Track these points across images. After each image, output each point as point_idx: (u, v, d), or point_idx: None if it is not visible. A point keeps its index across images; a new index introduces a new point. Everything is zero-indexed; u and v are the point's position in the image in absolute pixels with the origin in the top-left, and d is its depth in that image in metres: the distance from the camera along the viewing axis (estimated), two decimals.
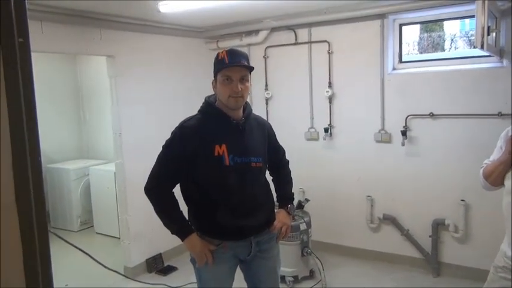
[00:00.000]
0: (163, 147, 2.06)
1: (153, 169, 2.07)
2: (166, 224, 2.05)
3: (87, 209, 5.42)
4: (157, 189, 2.05)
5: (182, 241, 2.03)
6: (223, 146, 1.97)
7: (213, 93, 2.14)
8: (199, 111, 2.11)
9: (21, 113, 0.70)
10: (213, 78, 2.05)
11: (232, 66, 1.94)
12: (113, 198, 4.81)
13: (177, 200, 2.05)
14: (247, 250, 2.10)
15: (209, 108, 2.08)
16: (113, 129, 3.99)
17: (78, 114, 6.01)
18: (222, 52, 1.97)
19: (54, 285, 0.79)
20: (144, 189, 2.06)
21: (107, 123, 4.49)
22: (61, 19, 3.38)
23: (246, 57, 2.02)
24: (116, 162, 4.04)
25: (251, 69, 2.01)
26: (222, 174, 1.99)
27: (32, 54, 0.73)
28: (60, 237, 3.25)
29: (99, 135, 5.84)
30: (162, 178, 2.04)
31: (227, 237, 2.05)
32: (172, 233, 2.05)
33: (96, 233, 5.31)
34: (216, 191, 2.02)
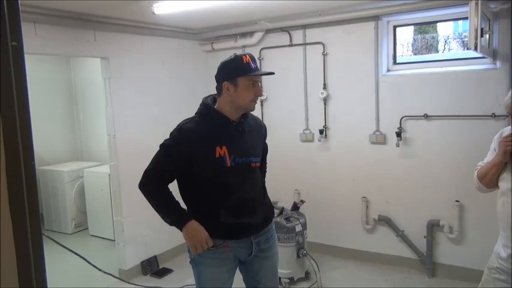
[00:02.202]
0: (160, 146, 2.07)
1: (148, 166, 2.08)
2: (163, 218, 2.08)
3: (82, 211, 5.39)
4: (150, 186, 2.08)
5: (181, 231, 2.04)
6: (224, 148, 1.99)
7: (208, 94, 2.16)
8: (197, 113, 2.11)
9: (14, 117, 0.70)
10: (227, 81, 2.00)
11: (262, 74, 2.15)
12: (108, 200, 4.80)
13: (171, 193, 2.07)
14: (247, 250, 2.12)
15: (208, 110, 2.08)
16: (107, 131, 3.97)
17: (72, 116, 5.99)
18: (246, 56, 2.00)
19: None
20: (139, 185, 2.08)
21: (101, 125, 4.47)
22: (55, 21, 3.36)
23: None
24: (110, 164, 4.02)
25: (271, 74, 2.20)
26: (224, 175, 2.01)
27: (26, 56, 0.73)
28: (54, 240, 3.23)
29: (93, 137, 5.82)
30: (156, 176, 2.07)
31: (230, 236, 2.06)
32: (170, 224, 2.07)
33: (91, 235, 5.29)
34: (218, 191, 2.04)
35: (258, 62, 4.42)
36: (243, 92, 1.99)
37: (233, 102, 2.02)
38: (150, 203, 2.07)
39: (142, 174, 2.08)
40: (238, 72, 1.98)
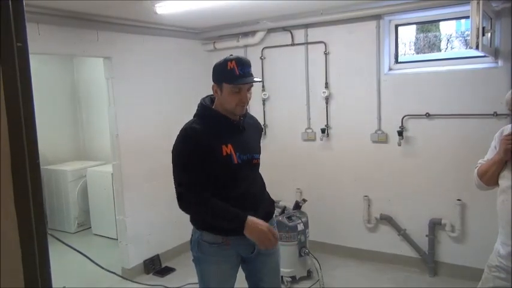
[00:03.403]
0: (175, 158, 2.03)
1: (176, 186, 2.02)
2: (221, 225, 2.03)
3: (85, 210, 5.41)
4: (187, 200, 2.01)
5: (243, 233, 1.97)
6: (230, 146, 2.01)
7: (209, 94, 2.18)
8: (195, 115, 2.13)
9: (19, 117, 0.71)
10: (215, 83, 2.04)
11: (244, 84, 1.97)
12: (110, 199, 4.81)
13: (211, 198, 2.00)
14: (250, 247, 2.12)
15: (206, 110, 2.10)
16: (109, 130, 3.99)
17: (75, 115, 6.01)
18: (232, 62, 1.96)
19: (52, 286, 0.80)
20: (179, 206, 2.00)
21: (104, 124, 4.49)
22: (58, 21, 3.38)
23: (251, 66, 2.05)
24: (113, 163, 4.03)
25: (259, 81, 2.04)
26: (231, 172, 2.04)
27: (29, 55, 0.74)
28: (57, 238, 3.24)
29: (96, 136, 5.84)
30: (186, 187, 2.00)
31: (232, 232, 2.04)
32: (229, 230, 2.03)
33: (94, 234, 5.31)
34: (223, 188, 2.04)
35: (259, 62, 4.46)
36: (227, 97, 2.01)
37: (222, 104, 2.06)
38: (201, 216, 2.04)
39: (177, 198, 2.00)
40: (222, 79, 2.00)
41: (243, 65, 1.98)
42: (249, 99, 2.05)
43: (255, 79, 2.03)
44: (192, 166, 2.00)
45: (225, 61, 1.99)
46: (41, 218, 0.76)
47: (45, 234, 0.78)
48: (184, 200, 1.99)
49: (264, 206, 2.20)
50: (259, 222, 1.97)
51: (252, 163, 2.11)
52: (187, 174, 2.00)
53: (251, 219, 1.96)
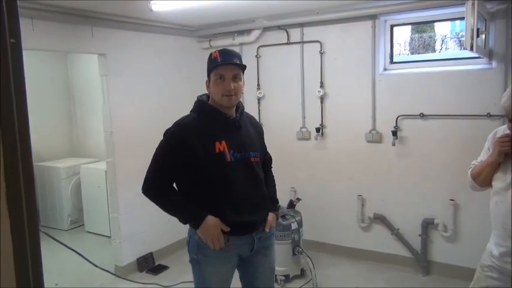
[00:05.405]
0: (158, 147, 2.05)
1: (147, 172, 2.05)
2: (179, 219, 2.06)
3: (78, 207, 5.39)
4: (154, 191, 2.04)
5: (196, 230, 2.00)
6: (223, 143, 1.99)
7: (205, 92, 2.17)
8: (192, 110, 2.13)
9: (12, 114, 0.70)
10: (207, 78, 2.07)
11: (224, 64, 1.98)
12: (104, 197, 4.79)
13: (176, 191, 2.05)
14: (250, 247, 2.11)
15: (203, 106, 2.10)
16: (104, 127, 3.97)
17: (69, 112, 5.97)
18: (215, 52, 2.02)
19: (45, 285, 0.79)
20: (142, 191, 2.03)
21: (98, 121, 4.47)
22: (52, 17, 3.35)
23: (238, 57, 2.06)
24: (107, 160, 4.02)
25: (243, 67, 2.05)
26: (224, 171, 2.00)
27: (23, 52, 0.73)
28: (50, 236, 3.22)
29: (90, 133, 5.81)
30: (157, 180, 2.03)
31: (234, 233, 2.03)
32: (186, 223, 2.06)
33: (87, 231, 5.29)
34: (220, 188, 2.03)
35: (255, 60, 4.46)
36: (214, 87, 2.03)
37: (213, 99, 2.07)
38: (160, 208, 2.05)
39: (143, 181, 2.04)
40: (208, 68, 2.04)
41: (226, 53, 2.02)
42: (238, 90, 2.02)
43: (235, 62, 2.01)
44: (166, 160, 2.03)
45: (211, 53, 2.04)
46: (33, 216, 0.75)
47: (38, 233, 0.77)
48: (146, 191, 2.03)
49: (265, 206, 2.18)
50: (214, 227, 1.98)
51: (248, 162, 2.07)
52: (158, 165, 2.04)
53: (207, 222, 1.98)
